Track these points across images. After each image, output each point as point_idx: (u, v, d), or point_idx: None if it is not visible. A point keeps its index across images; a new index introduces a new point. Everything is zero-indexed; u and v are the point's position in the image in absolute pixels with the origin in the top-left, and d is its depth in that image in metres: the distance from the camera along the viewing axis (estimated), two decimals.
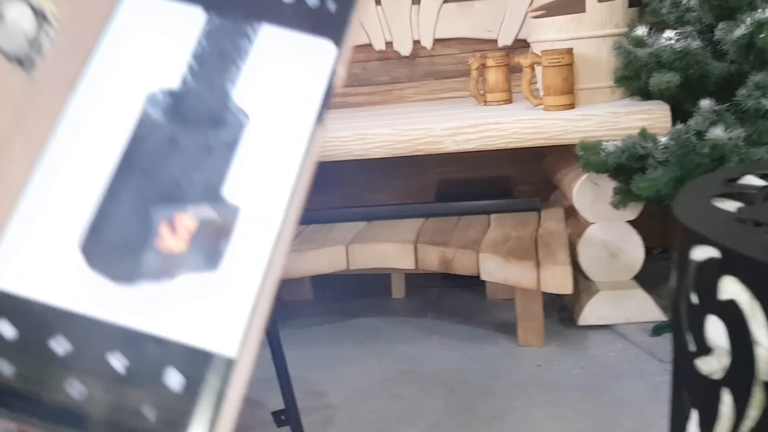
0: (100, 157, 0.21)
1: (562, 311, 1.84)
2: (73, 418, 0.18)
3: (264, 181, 0.21)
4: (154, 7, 0.23)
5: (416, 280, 2.10)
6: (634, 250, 1.72)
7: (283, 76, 0.22)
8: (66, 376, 0.19)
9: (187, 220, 0.20)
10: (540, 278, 1.53)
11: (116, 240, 0.20)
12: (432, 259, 1.71)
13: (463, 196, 1.92)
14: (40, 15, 0.22)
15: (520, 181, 2.11)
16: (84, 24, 0.23)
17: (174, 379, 0.18)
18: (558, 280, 1.52)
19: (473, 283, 1.83)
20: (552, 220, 1.76)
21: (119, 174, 0.21)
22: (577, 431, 1.38)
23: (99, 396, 0.18)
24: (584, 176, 1.66)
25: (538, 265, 1.54)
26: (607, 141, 1.52)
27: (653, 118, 1.54)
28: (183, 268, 0.20)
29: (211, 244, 0.20)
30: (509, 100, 1.87)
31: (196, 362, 0.18)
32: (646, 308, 1.70)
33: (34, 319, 0.19)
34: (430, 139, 1.65)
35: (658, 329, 1.65)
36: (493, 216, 1.85)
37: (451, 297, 2.02)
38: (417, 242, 1.71)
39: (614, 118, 1.57)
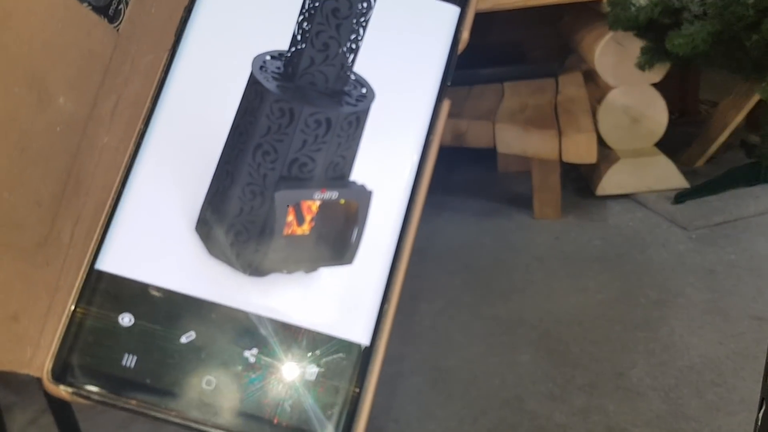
0: (207, 128, 0.19)
1: (577, 182, 1.77)
2: (203, 409, 0.17)
3: (392, 163, 0.19)
4: None
5: None
6: (657, 115, 1.63)
7: (403, 44, 0.20)
8: (191, 365, 0.17)
9: (316, 207, 0.18)
10: (562, 148, 1.45)
11: (237, 225, 0.18)
12: (443, 132, 1.61)
13: (474, 64, 1.79)
14: None
15: (532, 45, 1.98)
16: None
17: (309, 369, 0.17)
18: (581, 149, 1.44)
19: (483, 156, 1.76)
20: (571, 86, 1.65)
21: (230, 149, 0.18)
22: (600, 302, 1.35)
23: (230, 387, 0.17)
24: (608, 36, 1.54)
25: (559, 133, 1.45)
26: None
27: None
28: (315, 260, 0.18)
29: (344, 234, 0.18)
30: None
31: (332, 351, 0.17)
32: (668, 175, 1.64)
33: (156, 306, 0.17)
34: None
35: (681, 196, 1.59)
36: (506, 84, 1.73)
37: (460, 172, 1.94)
38: None
39: None
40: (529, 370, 1.19)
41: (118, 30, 0.19)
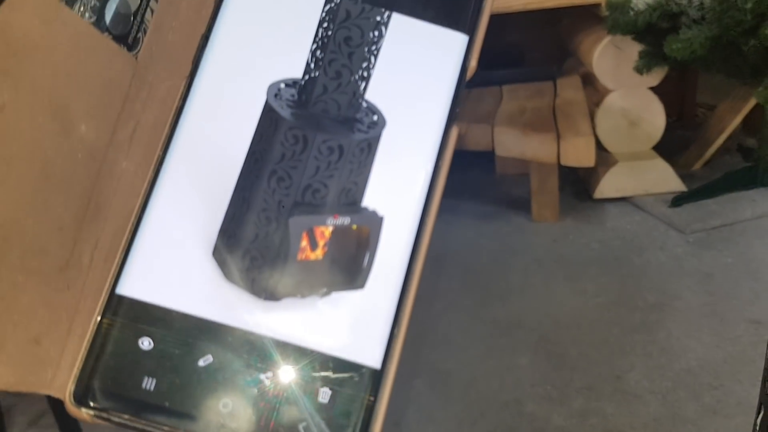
0: (224, 154, 0.19)
1: (575, 185, 1.78)
2: (220, 431, 0.17)
3: (402, 189, 0.19)
4: None
5: None
6: (654, 119, 1.64)
7: (413, 72, 0.20)
8: (208, 387, 0.17)
9: (329, 232, 0.19)
10: (560, 151, 1.46)
11: (253, 251, 0.18)
12: None
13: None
14: None
15: (530, 48, 1.98)
16: None
17: (323, 391, 0.18)
18: (580, 153, 1.45)
19: (482, 158, 1.76)
20: (569, 89, 1.66)
21: (246, 175, 0.18)
22: (598, 306, 1.36)
23: (245, 409, 0.17)
24: (606, 39, 1.54)
25: (558, 137, 1.46)
26: None
27: None
28: (329, 285, 0.18)
29: (356, 259, 0.19)
30: None
31: (344, 374, 0.18)
32: (666, 178, 1.64)
33: (174, 330, 0.18)
34: None
35: (678, 200, 1.60)
36: (505, 87, 1.74)
37: (458, 174, 1.94)
38: None
39: None
40: (528, 373, 1.20)
41: (136, 58, 0.19)
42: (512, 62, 1.84)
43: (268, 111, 0.19)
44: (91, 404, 0.17)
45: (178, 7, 0.20)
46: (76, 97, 0.18)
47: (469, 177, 1.98)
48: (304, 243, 0.18)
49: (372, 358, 0.18)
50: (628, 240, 1.56)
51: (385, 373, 0.18)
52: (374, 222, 0.19)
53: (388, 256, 0.19)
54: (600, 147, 1.66)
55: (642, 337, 1.25)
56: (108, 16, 0.18)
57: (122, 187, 0.19)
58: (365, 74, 0.19)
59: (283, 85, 0.19)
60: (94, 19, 0.18)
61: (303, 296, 0.18)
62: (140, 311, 0.18)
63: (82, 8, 0.18)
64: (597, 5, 1.49)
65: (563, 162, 1.49)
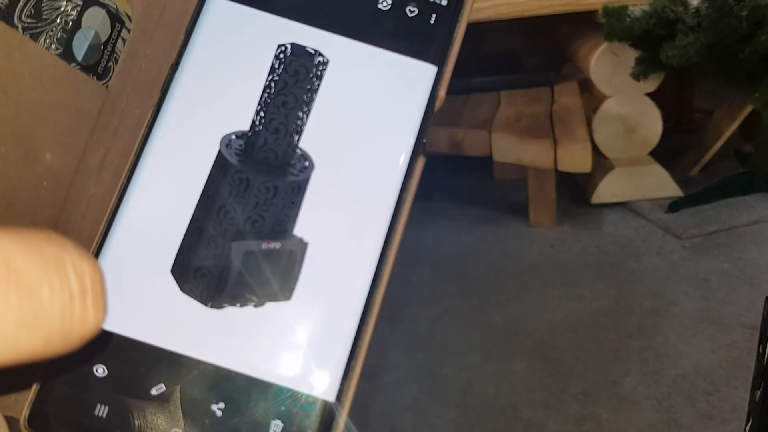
0: (183, 191, 0.22)
1: (573, 190, 1.78)
2: None
3: (365, 219, 0.21)
4: (235, 16, 0.22)
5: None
6: (651, 124, 1.65)
7: (380, 102, 0.22)
8: (160, 417, 0.18)
9: (261, 254, 0.21)
10: (557, 157, 1.46)
11: (203, 268, 0.21)
12: (441, 140, 1.62)
13: (470, 72, 1.80)
14: (115, 18, 0.20)
15: (527, 54, 1.99)
16: (156, 22, 0.21)
17: (275, 424, 0.18)
18: (577, 159, 1.45)
19: (479, 164, 1.76)
20: (567, 95, 1.66)
21: (200, 208, 0.22)
22: (595, 311, 1.36)
23: None
24: (603, 46, 1.55)
25: (555, 143, 1.47)
26: (633, 5, 1.40)
27: None
28: (262, 297, 0.20)
29: (284, 276, 0.21)
30: None
31: (298, 406, 0.18)
32: (662, 184, 1.65)
33: (129, 358, 0.19)
34: None
35: (675, 205, 1.61)
36: (503, 93, 1.74)
37: (457, 179, 1.95)
38: None
39: None
40: (524, 379, 1.20)
41: (107, 86, 0.20)
42: (510, 68, 1.85)
43: (220, 158, 0.22)
44: (45, 429, 0.18)
45: (152, 35, 0.21)
46: (42, 126, 0.18)
47: (466, 182, 1.98)
48: (244, 263, 0.21)
49: (326, 391, 0.19)
50: (624, 245, 1.56)
51: (339, 406, 0.19)
52: (300, 247, 0.21)
53: (348, 288, 0.20)
54: (597, 152, 1.67)
55: (638, 343, 1.25)
56: (78, 48, 0.19)
57: (91, 211, 0.20)
58: (299, 129, 0.22)
59: (233, 137, 0.22)
60: (60, 50, 0.19)
61: (241, 305, 0.20)
62: (98, 338, 0.19)
63: (48, 41, 0.18)
64: (594, 12, 1.50)
65: (560, 168, 1.50)
